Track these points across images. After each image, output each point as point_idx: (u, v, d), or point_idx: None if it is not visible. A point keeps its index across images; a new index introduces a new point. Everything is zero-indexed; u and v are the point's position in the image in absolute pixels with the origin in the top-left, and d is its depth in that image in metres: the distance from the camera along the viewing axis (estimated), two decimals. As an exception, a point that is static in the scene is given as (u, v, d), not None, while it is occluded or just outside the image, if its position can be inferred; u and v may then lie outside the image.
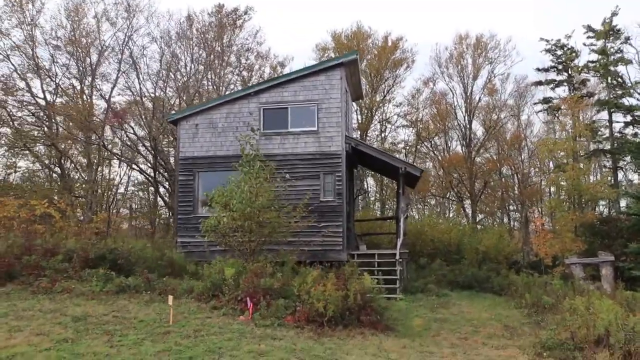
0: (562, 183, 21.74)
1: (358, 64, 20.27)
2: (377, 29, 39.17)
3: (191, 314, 11.85)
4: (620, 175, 34.56)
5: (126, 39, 29.33)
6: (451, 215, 40.88)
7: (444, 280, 20.19)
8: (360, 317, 11.65)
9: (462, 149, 38.28)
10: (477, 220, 36.50)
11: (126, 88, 30.31)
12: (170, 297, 11.56)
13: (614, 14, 32.22)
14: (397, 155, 39.96)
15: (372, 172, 36.10)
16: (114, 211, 33.99)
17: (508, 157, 36.62)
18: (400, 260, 18.41)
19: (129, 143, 31.52)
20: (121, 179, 36.14)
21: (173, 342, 9.65)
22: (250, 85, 27.39)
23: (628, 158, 32.50)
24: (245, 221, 14.02)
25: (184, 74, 31.07)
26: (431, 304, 16.61)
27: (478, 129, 39.54)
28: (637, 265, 18.95)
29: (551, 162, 30.52)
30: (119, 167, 34.65)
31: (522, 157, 40.76)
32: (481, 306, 16.78)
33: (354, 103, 37.28)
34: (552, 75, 35.81)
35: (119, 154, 31.77)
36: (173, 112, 26.78)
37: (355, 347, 10.22)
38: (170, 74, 30.60)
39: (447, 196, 39.98)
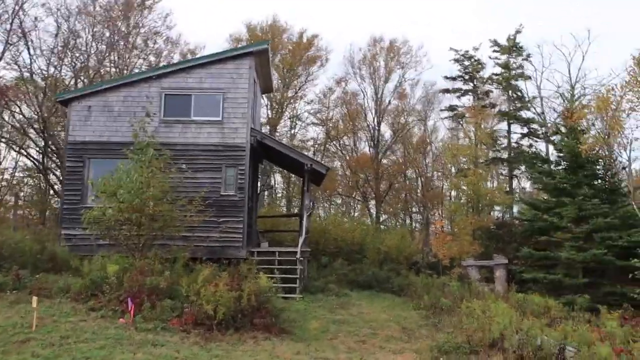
0: (463, 187, 21.95)
1: (268, 54, 19.38)
2: (293, 25, 38.26)
3: (62, 317, 10.45)
4: (515, 183, 35.82)
5: (17, 8, 26.51)
6: (356, 215, 40.89)
7: (345, 280, 19.71)
8: (254, 319, 10.80)
9: (369, 150, 38.29)
10: (380, 221, 36.58)
11: (13, 62, 27.47)
12: (35, 298, 10.11)
13: (518, 31, 33.17)
14: (306, 153, 39.47)
15: (280, 169, 35.31)
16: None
17: (413, 160, 37.01)
18: (302, 258, 17.69)
19: (17, 125, 28.76)
20: (7, 164, 33.15)
21: (30, 352, 8.28)
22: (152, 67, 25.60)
23: (523, 167, 33.68)
24: (133, 213, 12.67)
25: (83, 53, 28.69)
26: (331, 304, 16.01)
27: (386, 131, 39.75)
28: (528, 269, 19.34)
29: (453, 167, 30.96)
30: (7, 151, 31.65)
31: (427, 160, 41.50)
32: (380, 307, 16.40)
33: (263, 96, 36.36)
34: (459, 84, 36.40)
35: (5, 136, 28.90)
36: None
37: (246, 354, 9.34)
38: (68, 51, 28.10)
39: (353, 195, 39.86)
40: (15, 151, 29.02)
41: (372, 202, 39.27)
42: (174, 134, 18.15)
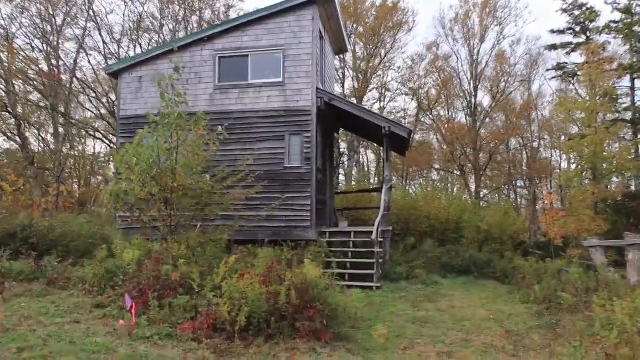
0: (582, 148, 17.53)
1: (336, 4, 16.14)
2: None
3: (53, 317, 8.07)
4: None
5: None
6: (455, 191, 36.78)
7: (436, 264, 16.30)
8: (296, 323, 7.78)
9: (466, 119, 34.05)
10: (481, 197, 32.35)
11: (92, 49, 26.45)
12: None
13: (640, -33, 27.61)
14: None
15: (366, 141, 32.00)
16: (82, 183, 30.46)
17: (516, 127, 32.29)
18: (381, 239, 14.52)
19: (103, 111, 27.85)
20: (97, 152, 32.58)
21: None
22: (203, 29, 22.91)
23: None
24: (155, 188, 10.04)
25: (156, 32, 27.08)
26: (415, 295, 12.75)
27: (484, 98, 35.28)
28: (672, 250, 14.81)
29: (566, 129, 26.10)
30: (94, 139, 30.95)
31: (532, 129, 36.49)
32: (478, 298, 12.89)
33: (346, 66, 33.17)
34: (568, 38, 31.30)
35: (92, 125, 28.09)
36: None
37: (270, 378, 6.39)
38: (141, 32, 26.64)
39: (450, 170, 35.78)
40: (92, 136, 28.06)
41: (472, 178, 35.11)
42: (230, 100, 15.57)
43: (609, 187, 20.51)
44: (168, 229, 10.46)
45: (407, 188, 32.71)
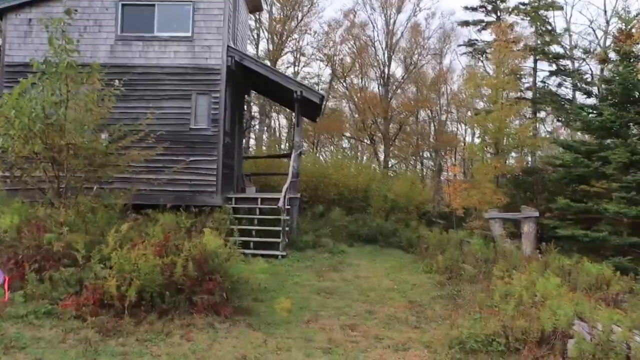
0: (489, 124, 17.92)
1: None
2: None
3: None
4: (541, 127, 31.77)
5: None
6: (364, 159, 37.09)
7: (344, 233, 16.16)
8: (194, 297, 7.22)
9: (379, 89, 34.17)
10: (389, 166, 32.81)
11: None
12: None
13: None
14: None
15: (285, 109, 31.36)
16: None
17: (427, 99, 32.82)
18: (289, 207, 14.12)
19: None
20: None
21: None
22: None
23: (549, 109, 29.56)
24: (38, 145, 8.94)
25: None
26: (321, 264, 12.53)
27: (397, 69, 35.53)
28: (563, 224, 15.55)
29: (474, 104, 26.79)
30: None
31: (441, 102, 37.34)
32: (383, 268, 12.88)
33: (262, 27, 32.13)
34: (480, 16, 31.93)
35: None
36: None
37: None
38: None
39: (361, 139, 35.95)
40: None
41: (381, 147, 35.49)
42: (133, 53, 14.38)
43: (507, 162, 21.23)
44: (55, 191, 9.39)
45: (318, 155, 32.48)
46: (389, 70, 33.39)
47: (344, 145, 39.45)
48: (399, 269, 12.89)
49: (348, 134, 37.48)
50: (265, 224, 13.94)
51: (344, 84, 35.14)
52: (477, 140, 27.61)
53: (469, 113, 38.71)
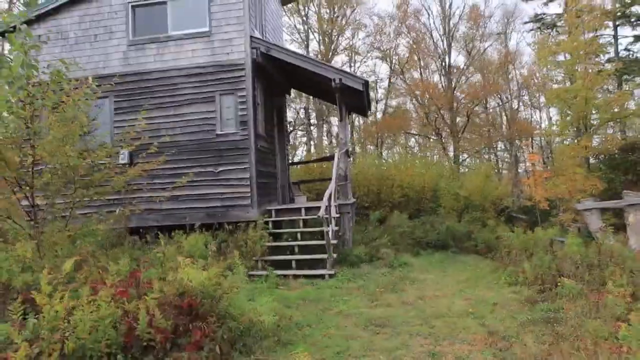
0: (573, 96, 14.56)
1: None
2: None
3: None
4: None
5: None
6: (434, 158, 34.00)
7: (407, 240, 13.51)
8: (166, 358, 4.90)
9: (440, 79, 31.08)
10: (459, 161, 29.64)
11: None
12: None
13: None
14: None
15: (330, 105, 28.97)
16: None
17: (494, 84, 29.38)
18: (338, 215, 11.70)
19: None
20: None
21: None
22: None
23: (638, 79, 25.37)
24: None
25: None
26: (377, 283, 9.95)
27: (458, 56, 32.35)
28: (681, 208, 12.10)
29: (549, 77, 23.14)
30: None
31: (511, 88, 33.69)
32: (455, 282, 10.15)
33: (300, 20, 29.87)
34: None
35: None
36: None
37: None
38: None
39: (427, 135, 32.94)
40: None
41: (450, 143, 32.27)
42: (147, 58, 12.52)
43: (612, 135, 17.38)
44: (29, 222, 7.43)
45: (381, 156, 29.82)
46: (449, 59, 30.36)
47: (410, 145, 36.61)
48: (475, 281, 10.10)
49: (414, 132, 34.63)
50: (311, 238, 11.60)
51: (404, 79, 32.32)
52: (555, 125, 24.04)
53: (543, 97, 34.94)
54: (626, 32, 26.02)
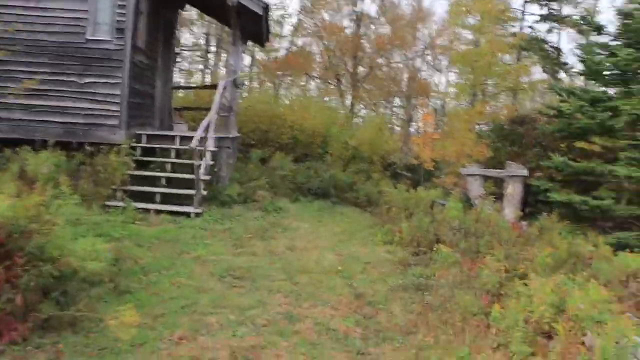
0: (476, 61, 14.25)
1: None
2: None
3: None
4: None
5: None
6: (331, 104, 33.32)
7: (288, 185, 12.72)
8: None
9: (350, 24, 30.05)
10: (355, 112, 29.22)
11: None
12: None
13: None
14: (275, 29, 31.26)
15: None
16: None
17: (402, 37, 28.91)
18: (217, 149, 10.61)
19: None
20: None
21: None
22: None
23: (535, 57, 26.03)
24: None
25: None
26: (246, 227, 9.10)
27: (371, 5, 31.42)
28: (556, 186, 12.40)
29: (458, 36, 22.90)
30: None
31: (417, 46, 33.52)
32: (330, 233, 9.59)
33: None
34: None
35: None
36: None
37: None
38: None
39: (327, 81, 32.07)
40: None
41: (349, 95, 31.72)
42: None
43: (510, 105, 17.29)
44: None
45: (277, 94, 28.64)
46: (362, 4, 29.26)
47: (309, 88, 35.61)
48: (350, 236, 9.59)
49: (315, 75, 33.62)
50: (182, 170, 10.44)
51: (313, 17, 30.90)
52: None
53: (446, 60, 35.32)
54: (534, 9, 26.15)
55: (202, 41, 31.22)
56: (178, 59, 33.08)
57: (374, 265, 7.71)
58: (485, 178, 12.97)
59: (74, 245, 4.55)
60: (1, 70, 9.94)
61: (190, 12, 28.59)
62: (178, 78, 32.31)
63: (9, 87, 10.00)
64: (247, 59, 34.85)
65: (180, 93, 23.50)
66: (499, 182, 13.53)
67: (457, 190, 12.93)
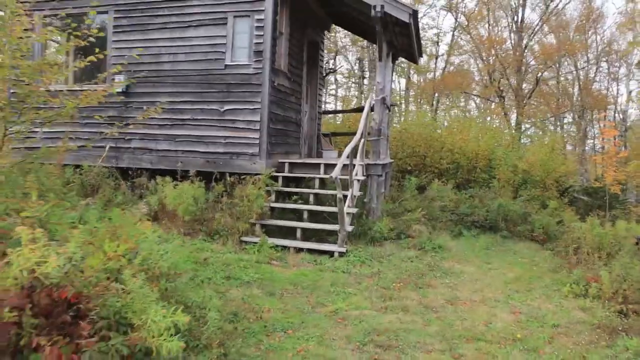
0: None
1: None
2: None
3: None
4: None
5: None
6: (494, 124, 30.52)
7: (448, 217, 10.89)
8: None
9: (510, 36, 27.32)
10: (522, 130, 26.18)
11: None
12: None
13: None
14: (430, 49, 29.62)
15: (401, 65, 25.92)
16: None
17: (571, 44, 25.44)
18: (363, 178, 9.24)
19: None
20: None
21: None
22: None
23: None
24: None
25: None
26: (398, 271, 7.49)
27: (531, 13, 28.35)
28: None
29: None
30: None
31: (588, 55, 29.54)
32: (502, 280, 7.59)
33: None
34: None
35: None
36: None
37: None
38: None
39: (489, 98, 29.44)
40: None
41: (513, 112, 28.74)
42: (154, -36, 10.07)
43: None
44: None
45: (435, 116, 26.76)
46: (523, 13, 26.45)
47: (469, 108, 33.19)
48: (529, 283, 7.49)
49: (474, 93, 31.19)
50: (328, 202, 9.23)
51: (469, 33, 28.69)
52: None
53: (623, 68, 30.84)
54: None
55: (356, 67, 30.59)
56: (332, 86, 33.03)
57: (565, 331, 5.62)
58: None
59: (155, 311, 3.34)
60: (145, 102, 9.62)
61: (344, 37, 28.20)
62: (333, 105, 32.11)
63: (155, 118, 9.68)
64: (402, 83, 33.70)
65: (332, 119, 22.84)
66: None
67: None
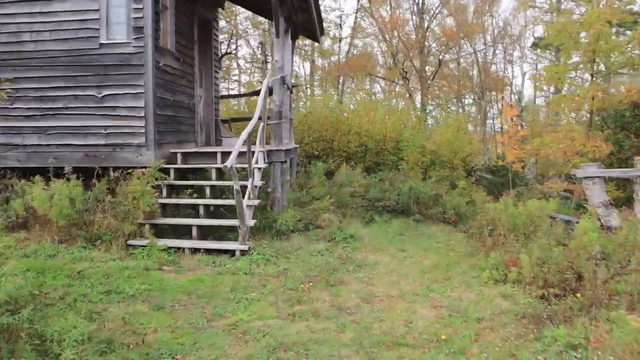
0: (575, 35, 11.07)
1: None
2: None
3: None
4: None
5: None
6: (399, 105, 30.60)
7: (359, 203, 10.30)
8: None
9: (412, 17, 27.40)
10: (427, 112, 26.39)
11: None
12: None
13: None
14: (333, 32, 29.17)
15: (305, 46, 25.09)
16: None
17: (470, 27, 25.90)
18: (264, 166, 8.39)
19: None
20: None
21: None
22: None
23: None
24: None
25: None
26: (307, 268, 6.74)
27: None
28: None
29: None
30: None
31: (485, 38, 30.45)
32: (419, 269, 7.08)
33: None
34: None
35: None
36: None
37: None
38: None
39: (394, 80, 29.48)
40: None
41: (418, 92, 28.98)
42: None
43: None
44: None
45: (341, 100, 26.35)
46: (424, -3, 26.55)
47: (374, 91, 33.13)
48: (447, 270, 7.01)
49: (379, 76, 31.14)
50: (225, 195, 8.29)
51: (373, 18, 28.46)
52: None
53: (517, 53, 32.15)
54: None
55: (258, 51, 29.53)
56: (235, 71, 31.73)
57: (490, 325, 5.11)
58: (605, 180, 9.97)
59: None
60: (4, 90, 8.16)
61: (245, 21, 27.00)
62: (237, 92, 30.83)
63: (20, 108, 8.30)
64: (307, 67, 33.03)
65: (236, 105, 21.74)
66: (623, 184, 10.49)
67: (561, 196, 10.03)
